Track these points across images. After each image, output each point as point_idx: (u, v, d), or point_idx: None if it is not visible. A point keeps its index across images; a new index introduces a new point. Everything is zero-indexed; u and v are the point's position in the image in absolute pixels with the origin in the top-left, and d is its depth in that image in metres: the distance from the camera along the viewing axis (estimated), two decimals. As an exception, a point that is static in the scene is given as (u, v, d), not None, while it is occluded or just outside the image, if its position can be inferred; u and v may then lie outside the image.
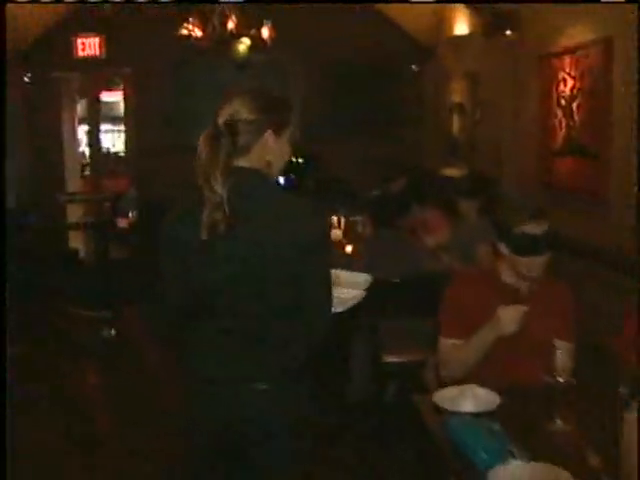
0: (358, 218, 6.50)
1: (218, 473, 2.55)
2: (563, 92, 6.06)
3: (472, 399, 2.84)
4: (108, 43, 9.78)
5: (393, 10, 9.62)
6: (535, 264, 3.14)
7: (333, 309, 2.50)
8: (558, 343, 3.15)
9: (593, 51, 5.55)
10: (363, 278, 3.04)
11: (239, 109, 2.39)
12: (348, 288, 2.81)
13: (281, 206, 2.40)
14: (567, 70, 5.96)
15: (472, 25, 8.36)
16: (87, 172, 12.74)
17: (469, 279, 3.41)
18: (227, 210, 2.28)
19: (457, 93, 9.06)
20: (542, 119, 6.45)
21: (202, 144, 2.35)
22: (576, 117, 5.85)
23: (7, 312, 2.62)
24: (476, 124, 8.37)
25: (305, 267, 2.37)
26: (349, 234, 6.32)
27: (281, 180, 5.60)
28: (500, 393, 2.85)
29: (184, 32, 7.17)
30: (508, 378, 3.10)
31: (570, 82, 5.93)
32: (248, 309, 2.39)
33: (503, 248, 3.20)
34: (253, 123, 2.38)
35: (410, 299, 4.70)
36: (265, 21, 7.38)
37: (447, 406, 2.82)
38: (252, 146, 2.40)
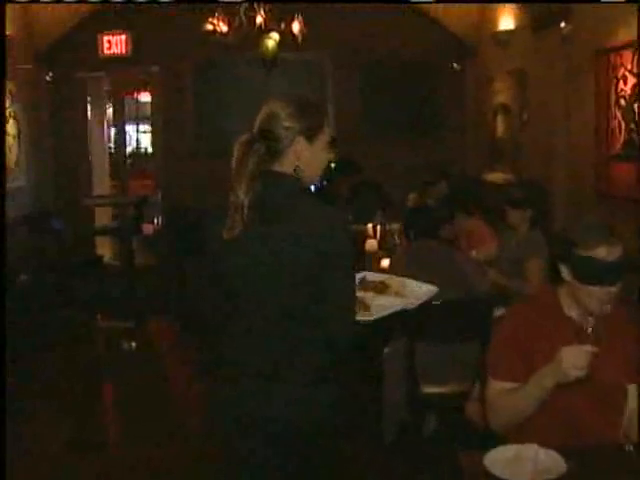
0: (395, 226, 5.93)
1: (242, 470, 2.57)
2: (623, 91, 5.45)
3: (532, 464, 2.33)
4: (135, 41, 9.33)
5: (433, 5, 9.03)
6: (604, 296, 2.59)
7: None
8: (632, 389, 2.68)
9: (658, 45, 4.92)
10: (426, 288, 2.95)
11: (272, 115, 2.44)
12: (410, 297, 2.76)
13: (304, 212, 2.41)
14: (628, 66, 5.34)
15: (519, 19, 7.77)
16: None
17: (525, 311, 2.85)
18: (245, 215, 2.35)
19: (502, 93, 8.49)
20: (598, 121, 5.84)
21: (236, 149, 2.40)
22: (638, 119, 5.22)
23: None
24: (523, 126, 7.78)
25: (325, 276, 2.37)
26: (385, 244, 5.76)
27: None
28: (563, 453, 2.34)
29: (209, 27, 6.64)
30: (569, 433, 2.63)
31: (632, 80, 5.31)
32: (267, 311, 2.43)
33: (565, 272, 2.63)
34: (285, 129, 2.41)
35: (453, 321, 4.19)
36: (296, 15, 6.82)
37: (500, 473, 2.30)
38: (284, 152, 2.42)
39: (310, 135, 2.45)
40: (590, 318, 2.54)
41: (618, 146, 5.55)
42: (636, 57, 5.21)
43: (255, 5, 6.63)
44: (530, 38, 7.26)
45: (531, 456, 2.34)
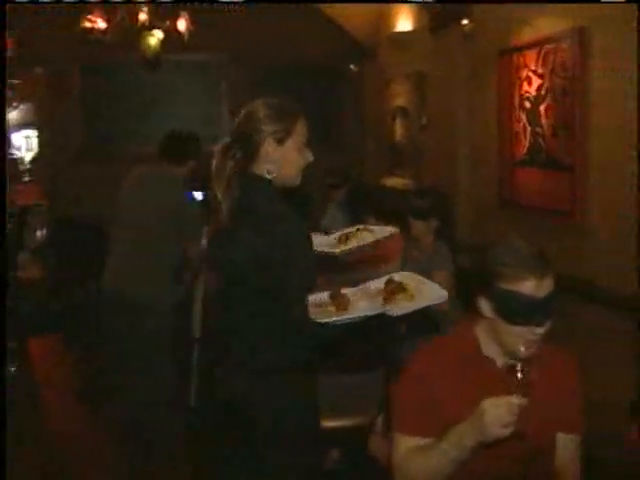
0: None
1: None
2: (527, 93, 5.08)
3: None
4: (20, 42, 8.53)
5: (329, 6, 8.56)
6: (531, 337, 2.12)
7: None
8: (563, 439, 2.29)
9: (564, 44, 4.56)
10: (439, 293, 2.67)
11: (245, 118, 2.55)
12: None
13: (266, 215, 2.50)
14: (532, 67, 4.98)
15: (417, 20, 7.39)
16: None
17: (436, 350, 2.37)
18: (224, 215, 2.50)
19: (400, 96, 8.10)
20: (502, 124, 5.46)
21: (216, 152, 2.53)
22: (544, 122, 4.86)
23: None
24: (422, 130, 7.38)
25: (280, 277, 2.43)
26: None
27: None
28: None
29: (86, 25, 5.96)
30: None
31: (536, 81, 4.95)
32: (236, 308, 2.56)
33: (484, 306, 2.17)
34: (255, 132, 2.50)
35: (355, 349, 3.79)
36: (182, 12, 6.22)
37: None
38: (257, 154, 2.51)
39: (280, 137, 2.51)
40: (517, 361, 2.09)
41: (523, 151, 5.19)
42: (541, 57, 4.83)
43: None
44: (429, 39, 6.87)
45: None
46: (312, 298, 2.62)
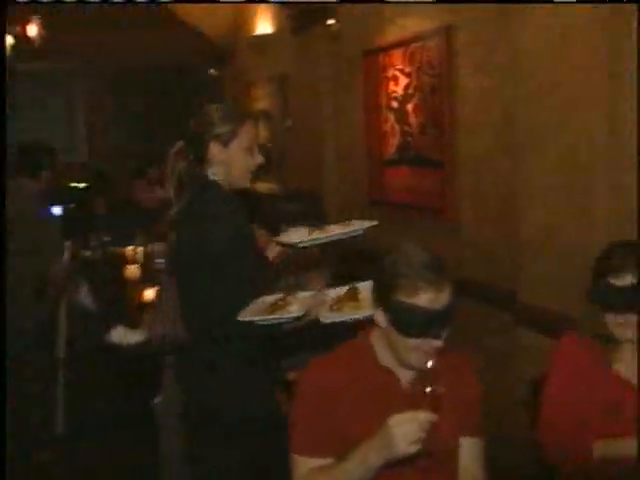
0: (158, 247, 5.13)
1: None
2: (395, 92, 5.04)
3: None
4: None
5: (187, 10, 8.29)
6: (428, 350, 1.99)
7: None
8: (466, 444, 2.16)
9: (431, 43, 4.54)
10: None
11: (193, 122, 2.61)
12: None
13: (200, 215, 2.54)
14: (399, 66, 4.94)
15: (277, 22, 7.26)
16: None
17: (330, 362, 2.18)
18: (171, 216, 2.62)
19: (262, 99, 7.95)
20: (369, 124, 5.40)
21: (170, 155, 2.62)
22: (412, 120, 4.82)
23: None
24: (287, 133, 7.24)
25: (211, 275, 2.48)
26: (148, 270, 4.92)
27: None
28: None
29: None
30: None
31: (404, 80, 4.91)
32: (189, 302, 2.63)
33: (379, 317, 2.03)
34: (200, 135, 2.55)
35: None
36: (34, 17, 5.81)
37: None
38: (204, 156, 2.55)
39: (225, 140, 2.55)
40: (423, 373, 1.94)
41: (392, 150, 5.14)
42: (407, 56, 4.79)
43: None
44: (291, 41, 6.77)
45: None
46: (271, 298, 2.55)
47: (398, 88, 4.98)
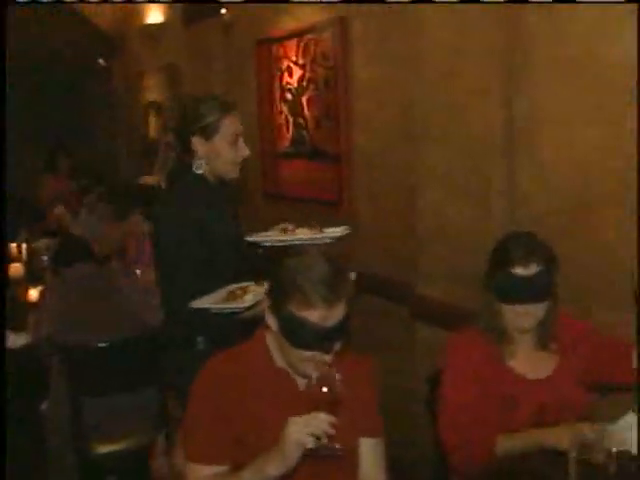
0: (42, 243, 4.87)
1: None
2: (289, 84, 4.91)
3: None
4: None
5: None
6: (317, 362, 1.89)
7: None
8: (365, 444, 2.09)
9: (325, 34, 4.43)
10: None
11: (179, 115, 2.74)
12: None
13: (165, 202, 2.75)
14: (293, 58, 4.82)
15: (169, 12, 7.01)
16: None
17: (226, 365, 2.05)
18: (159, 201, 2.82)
19: (153, 90, 7.69)
20: (263, 117, 5.26)
21: (161, 147, 3.14)
22: (307, 113, 4.71)
23: None
24: (178, 125, 7.00)
25: (167, 260, 2.61)
26: (32, 269, 4.64)
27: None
28: None
29: None
30: None
31: (297, 72, 4.79)
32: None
33: (271, 320, 1.94)
34: (184, 127, 2.64)
35: (124, 365, 3.33)
36: None
37: None
38: (190, 148, 2.63)
39: (207, 133, 2.59)
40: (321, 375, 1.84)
41: (286, 143, 5.02)
42: (301, 48, 4.68)
43: None
44: (182, 31, 6.55)
45: None
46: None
47: (292, 80, 4.86)
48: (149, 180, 7.44)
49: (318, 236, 2.60)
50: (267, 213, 5.29)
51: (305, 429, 1.72)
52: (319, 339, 1.84)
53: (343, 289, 1.86)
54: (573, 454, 1.83)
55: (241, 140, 2.69)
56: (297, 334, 1.85)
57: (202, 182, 2.66)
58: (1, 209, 2.89)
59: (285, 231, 2.67)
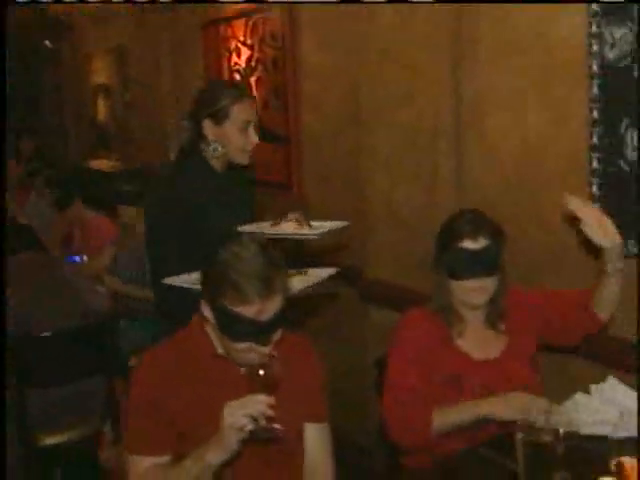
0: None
1: None
2: (237, 65, 4.82)
3: None
4: None
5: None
6: (254, 355, 1.84)
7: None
8: (310, 430, 2.05)
9: (273, 14, 4.34)
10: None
11: (193, 101, 2.71)
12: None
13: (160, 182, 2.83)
14: (241, 38, 4.73)
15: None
16: None
17: (166, 354, 1.98)
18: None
19: (101, 72, 7.54)
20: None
21: (177, 129, 2.79)
22: (255, 94, 4.62)
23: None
24: (126, 108, 6.87)
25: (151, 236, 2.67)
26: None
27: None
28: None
29: None
30: None
31: (246, 52, 4.70)
32: None
33: (207, 311, 1.87)
34: (196, 111, 2.64)
35: (68, 354, 3.22)
36: None
37: None
38: (201, 133, 2.62)
39: (218, 118, 2.59)
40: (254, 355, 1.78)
41: (235, 125, 4.91)
42: (249, 28, 4.58)
43: None
44: (130, 11, 6.37)
45: None
46: None
47: (241, 60, 4.77)
48: (102, 164, 7.33)
49: (304, 232, 2.53)
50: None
51: (241, 411, 1.67)
52: (255, 333, 1.79)
53: (279, 282, 1.79)
54: (520, 436, 1.80)
55: (252, 128, 2.66)
56: (232, 328, 1.79)
57: (204, 167, 2.68)
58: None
59: (276, 224, 2.60)
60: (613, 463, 1.74)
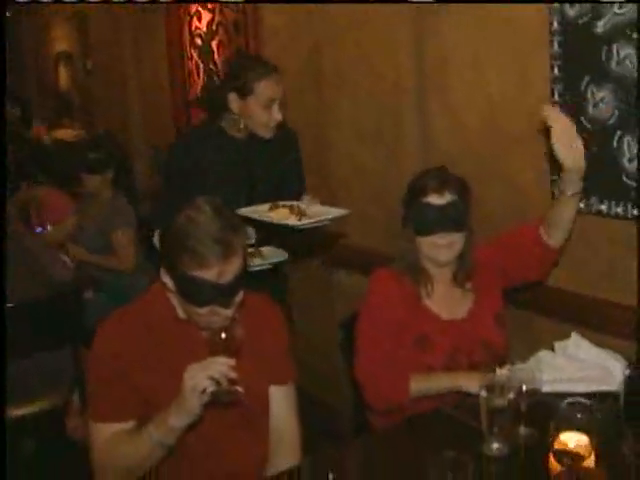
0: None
1: None
2: (198, 29, 4.74)
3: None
4: None
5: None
6: (217, 318, 1.82)
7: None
8: (276, 392, 2.03)
9: (233, -24, 4.25)
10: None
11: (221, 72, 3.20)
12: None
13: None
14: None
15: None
16: None
17: (125, 320, 1.94)
18: None
19: (62, 40, 7.37)
20: (172, 64, 5.07)
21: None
22: (217, 58, 4.54)
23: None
24: (88, 76, 6.75)
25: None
26: None
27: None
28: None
29: None
30: (210, 467, 1.90)
31: (207, 16, 4.62)
32: None
33: (166, 279, 1.84)
34: (222, 84, 2.87)
35: (34, 326, 3.18)
36: None
37: None
38: (226, 104, 2.67)
39: (243, 91, 2.62)
40: (216, 318, 1.76)
41: (198, 89, 4.85)
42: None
43: None
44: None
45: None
46: None
47: (202, 24, 4.68)
48: (65, 134, 7.20)
49: (289, 222, 2.55)
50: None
51: (202, 373, 1.64)
52: (216, 296, 1.76)
53: (237, 243, 1.76)
54: (484, 394, 1.80)
55: (276, 105, 2.68)
56: (193, 293, 1.77)
57: (221, 134, 2.76)
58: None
59: (273, 208, 2.66)
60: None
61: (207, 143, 2.77)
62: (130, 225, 3.92)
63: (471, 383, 2.10)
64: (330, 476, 1.40)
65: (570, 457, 1.56)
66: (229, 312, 1.79)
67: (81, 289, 3.47)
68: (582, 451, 1.57)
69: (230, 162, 2.78)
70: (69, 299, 3.28)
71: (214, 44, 4.57)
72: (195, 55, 4.81)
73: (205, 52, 4.68)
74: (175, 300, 1.88)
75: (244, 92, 2.64)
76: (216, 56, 4.55)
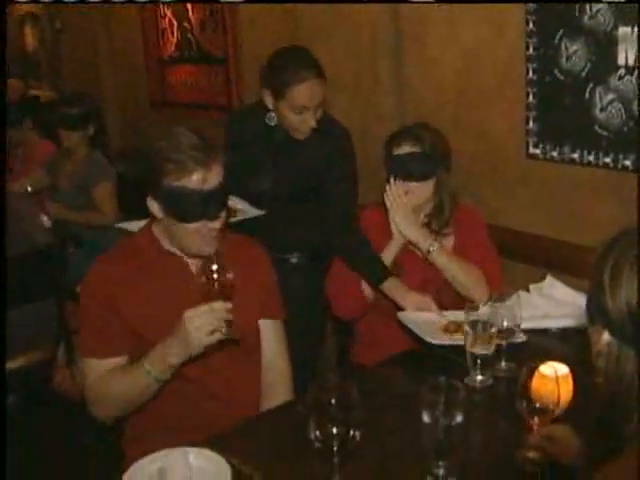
0: None
1: None
2: (172, -14, 4.68)
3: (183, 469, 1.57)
4: None
5: None
6: (205, 234, 1.88)
7: None
8: (266, 326, 2.12)
9: None
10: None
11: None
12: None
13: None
14: (175, -42, 4.58)
15: None
16: None
17: (114, 261, 2.00)
18: None
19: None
20: (146, 22, 5.03)
21: None
22: (191, 16, 4.53)
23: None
24: (58, 36, 6.64)
25: None
26: None
27: None
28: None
29: None
30: (204, 403, 1.98)
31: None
32: None
33: (154, 207, 1.88)
34: (261, 78, 2.56)
35: (19, 280, 3.14)
36: None
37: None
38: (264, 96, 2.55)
39: (275, 92, 2.49)
40: (208, 262, 1.81)
41: (171, 48, 4.84)
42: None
43: None
44: None
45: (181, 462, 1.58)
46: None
47: (172, -17, 4.65)
48: (38, 94, 7.10)
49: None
50: (155, 121, 5.13)
51: (206, 328, 1.70)
52: (202, 205, 1.81)
53: (214, 152, 1.83)
54: (468, 330, 1.88)
55: (309, 113, 2.47)
56: (179, 205, 1.81)
57: (260, 120, 2.62)
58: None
59: None
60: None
61: (249, 122, 2.68)
62: (110, 179, 3.93)
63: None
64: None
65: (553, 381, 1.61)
66: (217, 224, 1.85)
67: (63, 245, 3.49)
68: (561, 380, 1.64)
69: (259, 149, 2.68)
70: (50, 254, 3.30)
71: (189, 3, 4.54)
72: (169, 13, 4.79)
73: (179, 10, 4.66)
74: (162, 234, 1.94)
75: (276, 94, 2.49)
76: (190, 14, 4.54)
